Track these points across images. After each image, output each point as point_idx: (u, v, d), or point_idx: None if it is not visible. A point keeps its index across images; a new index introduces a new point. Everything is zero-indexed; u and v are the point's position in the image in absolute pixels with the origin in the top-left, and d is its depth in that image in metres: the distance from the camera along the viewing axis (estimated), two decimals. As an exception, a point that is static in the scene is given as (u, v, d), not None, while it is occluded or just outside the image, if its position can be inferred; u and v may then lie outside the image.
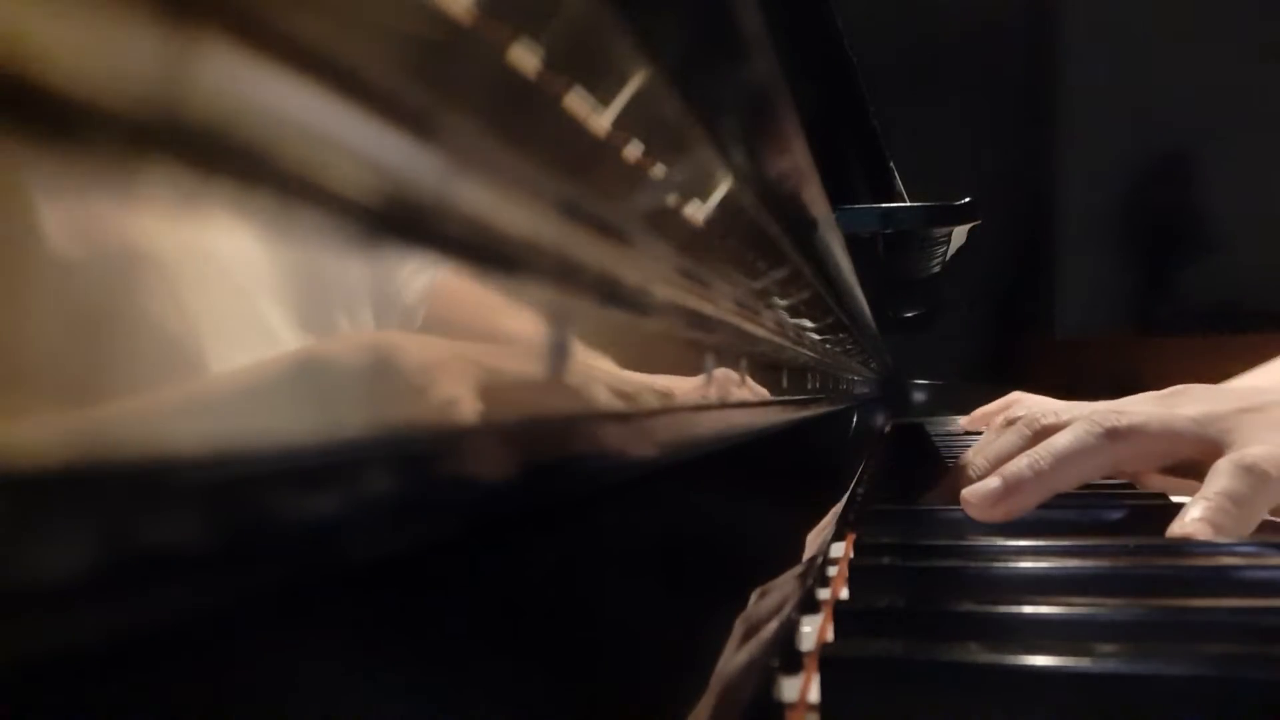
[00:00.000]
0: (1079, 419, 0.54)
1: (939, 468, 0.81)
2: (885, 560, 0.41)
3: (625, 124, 0.18)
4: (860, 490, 0.65)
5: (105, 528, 0.08)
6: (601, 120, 0.17)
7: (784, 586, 0.32)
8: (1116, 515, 0.54)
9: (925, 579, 0.38)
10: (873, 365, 1.24)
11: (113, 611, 0.08)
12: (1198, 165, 2.49)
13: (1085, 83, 2.51)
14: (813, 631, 0.32)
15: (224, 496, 0.09)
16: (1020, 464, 0.52)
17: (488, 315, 0.15)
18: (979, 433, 1.04)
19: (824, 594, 0.37)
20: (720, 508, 0.37)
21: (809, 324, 0.54)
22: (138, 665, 0.09)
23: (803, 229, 0.37)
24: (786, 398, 0.50)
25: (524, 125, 0.15)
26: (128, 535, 0.08)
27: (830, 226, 0.43)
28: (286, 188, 0.09)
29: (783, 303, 0.43)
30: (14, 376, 0.07)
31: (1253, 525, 0.50)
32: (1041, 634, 0.30)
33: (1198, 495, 0.50)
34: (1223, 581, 0.37)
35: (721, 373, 0.32)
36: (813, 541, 0.41)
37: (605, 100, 0.17)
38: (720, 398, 0.32)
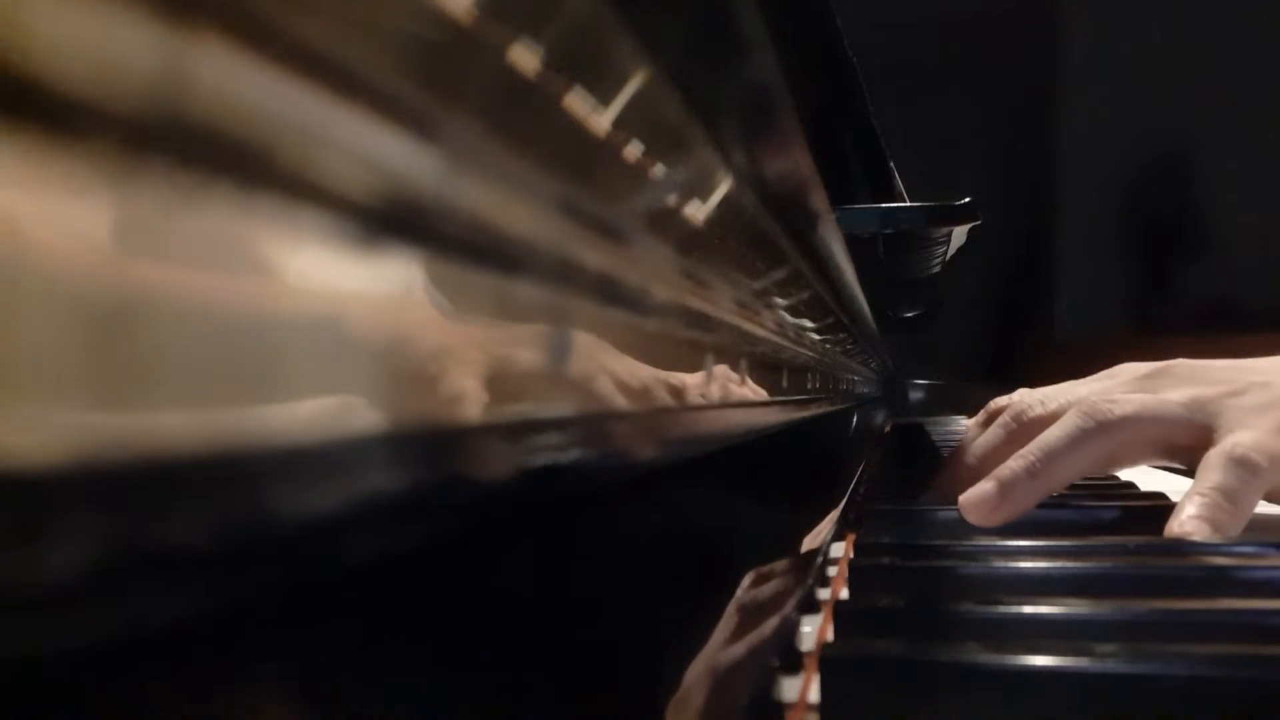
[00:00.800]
0: (1068, 411, 0.53)
1: (939, 467, 0.81)
2: (885, 560, 0.41)
3: (625, 124, 0.18)
4: (860, 490, 0.65)
5: (104, 528, 0.08)
6: (601, 120, 0.17)
7: (783, 583, 0.32)
8: (1116, 515, 0.54)
9: (925, 579, 0.38)
10: (873, 365, 1.24)
11: (113, 612, 0.08)
12: (1198, 165, 2.50)
13: (1085, 83, 2.51)
14: (813, 631, 0.32)
15: (225, 496, 0.09)
16: (1014, 465, 0.51)
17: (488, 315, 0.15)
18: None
19: (824, 594, 0.37)
20: (720, 508, 0.37)
21: (809, 324, 0.54)
22: (138, 665, 0.09)
23: (803, 229, 0.37)
24: (786, 398, 0.50)
25: (524, 125, 0.15)
26: (127, 535, 0.08)
27: (830, 226, 0.43)
28: (286, 188, 0.09)
29: (783, 303, 0.43)
30: (14, 376, 0.07)
31: (1247, 515, 0.50)
32: (1041, 634, 0.30)
33: (1191, 491, 0.50)
34: (1223, 581, 0.37)
35: (721, 372, 0.32)
36: (811, 541, 0.41)
37: (605, 100, 0.17)
38: (720, 398, 0.32)
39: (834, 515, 0.48)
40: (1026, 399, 0.58)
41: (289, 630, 0.11)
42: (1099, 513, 0.54)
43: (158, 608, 0.09)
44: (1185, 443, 0.53)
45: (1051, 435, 0.52)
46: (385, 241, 0.11)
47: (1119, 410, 0.53)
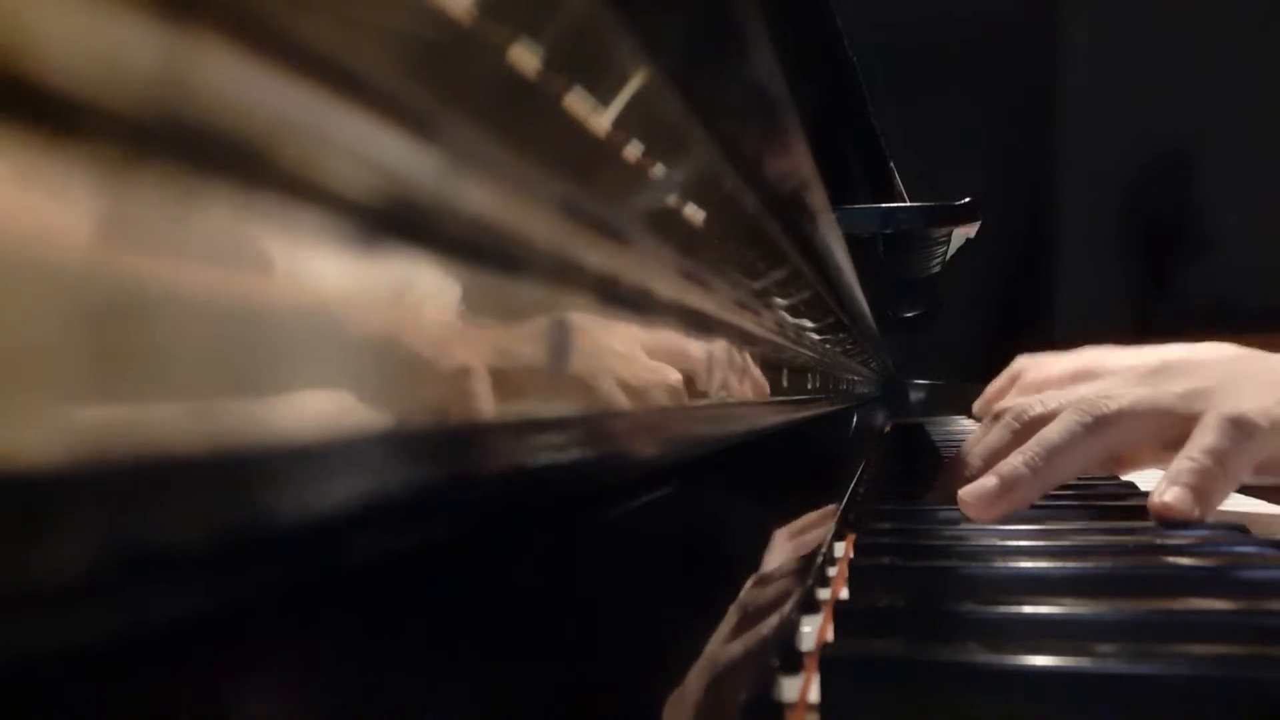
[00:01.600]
0: (1067, 408, 0.54)
1: (938, 467, 0.81)
2: (885, 560, 0.41)
3: (625, 124, 0.18)
4: (860, 490, 0.65)
5: (104, 528, 0.08)
6: (601, 120, 0.17)
7: (783, 583, 0.32)
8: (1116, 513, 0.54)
9: (925, 579, 0.38)
10: (873, 365, 1.24)
11: (113, 612, 0.08)
12: (1198, 165, 2.50)
13: (1085, 82, 2.51)
14: (813, 631, 0.32)
15: (224, 495, 0.09)
16: (1015, 461, 0.51)
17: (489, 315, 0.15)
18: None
19: (824, 594, 0.37)
20: (720, 507, 0.37)
21: (809, 324, 0.54)
22: (138, 666, 0.09)
23: (803, 229, 0.37)
24: (786, 398, 0.50)
25: (524, 125, 0.15)
26: (127, 535, 0.08)
27: (830, 226, 0.43)
28: (287, 187, 0.09)
29: (783, 303, 0.43)
30: (14, 376, 0.07)
31: (1237, 481, 0.50)
32: (1041, 634, 0.30)
33: (1181, 454, 0.50)
34: (1223, 581, 0.37)
35: (721, 372, 0.32)
36: (811, 540, 0.41)
37: (605, 100, 0.17)
38: (719, 398, 0.32)
39: (834, 515, 0.48)
40: (1028, 400, 0.58)
41: (289, 630, 0.11)
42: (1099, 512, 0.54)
43: (157, 607, 0.09)
44: (1186, 433, 0.52)
45: (1051, 431, 0.53)
46: (385, 241, 0.11)
47: (1115, 405, 0.53)
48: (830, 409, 0.80)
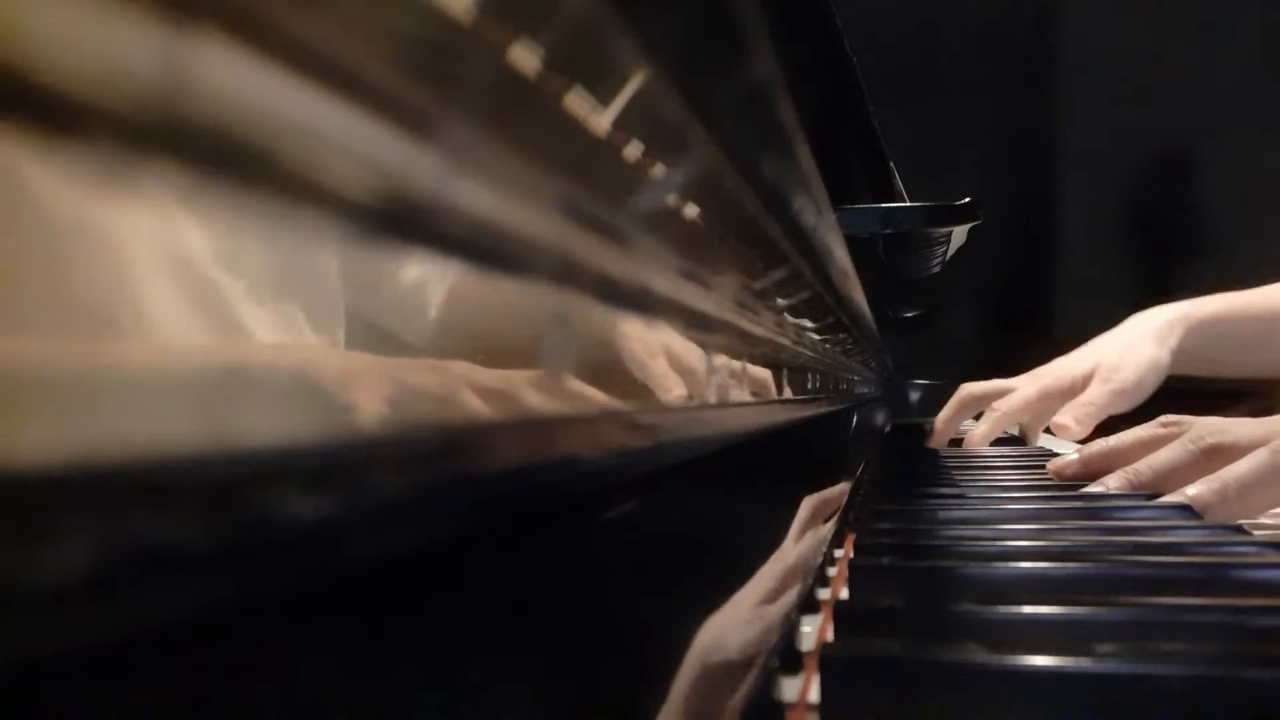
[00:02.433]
0: (1257, 447, 0.57)
1: (938, 467, 0.81)
2: (885, 560, 0.41)
3: (625, 124, 0.18)
4: (860, 490, 0.65)
5: (103, 528, 0.08)
6: (601, 120, 0.17)
7: (783, 583, 0.32)
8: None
9: (925, 579, 0.38)
10: (872, 365, 1.24)
11: (114, 612, 0.08)
12: (1198, 164, 2.49)
13: (1085, 82, 2.51)
14: (813, 631, 0.32)
15: (224, 496, 0.09)
16: (1208, 488, 0.55)
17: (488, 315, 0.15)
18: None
19: (824, 594, 0.37)
20: (720, 508, 0.37)
21: (809, 324, 0.54)
22: (138, 666, 0.09)
23: (803, 229, 0.37)
24: (786, 398, 0.50)
25: (524, 125, 0.15)
26: (127, 536, 0.08)
27: (830, 226, 0.43)
28: (287, 187, 0.09)
29: (783, 303, 0.43)
30: (14, 376, 0.07)
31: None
32: (1041, 634, 0.30)
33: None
34: (1222, 581, 0.37)
35: (721, 373, 0.32)
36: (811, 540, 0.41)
37: (605, 100, 0.17)
38: (720, 398, 0.32)
39: (834, 515, 0.48)
40: (1208, 425, 0.63)
41: (288, 631, 0.11)
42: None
43: (159, 608, 0.09)
44: None
45: (1243, 468, 0.56)
46: (385, 241, 0.11)
47: None
48: (830, 409, 0.80)
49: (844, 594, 0.37)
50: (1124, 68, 2.46)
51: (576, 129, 0.16)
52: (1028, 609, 0.31)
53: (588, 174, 0.18)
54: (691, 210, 0.24)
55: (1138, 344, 0.97)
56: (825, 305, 0.56)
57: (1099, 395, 0.96)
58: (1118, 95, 2.48)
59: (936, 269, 1.10)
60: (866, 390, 1.26)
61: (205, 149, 0.08)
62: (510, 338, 0.15)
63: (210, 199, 0.08)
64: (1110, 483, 0.63)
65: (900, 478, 0.77)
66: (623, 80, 0.17)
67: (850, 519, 0.52)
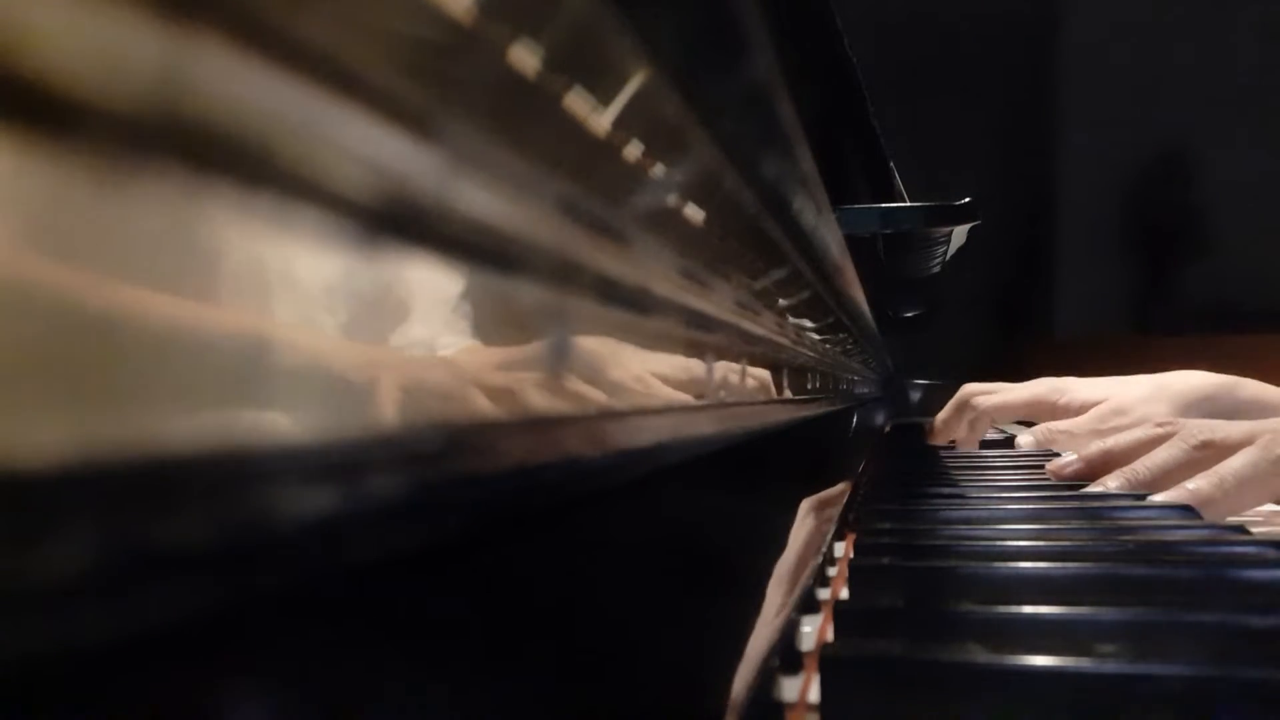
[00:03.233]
0: (1247, 445, 0.59)
1: (938, 467, 0.81)
2: (885, 560, 0.41)
3: (625, 124, 0.18)
4: (860, 490, 0.65)
5: (103, 528, 0.08)
6: (601, 120, 0.17)
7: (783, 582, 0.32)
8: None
9: (925, 579, 0.38)
10: (872, 365, 1.24)
11: (114, 613, 0.08)
12: (1198, 165, 2.49)
13: (1085, 82, 2.51)
14: (813, 631, 0.32)
15: (224, 496, 0.09)
16: (1207, 482, 0.57)
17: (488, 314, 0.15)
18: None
19: (824, 594, 0.37)
20: (720, 508, 0.37)
21: (809, 324, 0.54)
22: (139, 667, 0.09)
23: (803, 229, 0.37)
24: (786, 398, 0.50)
25: (524, 125, 0.15)
26: (127, 536, 0.08)
27: (830, 226, 0.43)
28: (286, 187, 0.09)
29: (783, 303, 0.43)
30: (14, 376, 0.07)
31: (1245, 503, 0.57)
32: (1041, 634, 0.30)
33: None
34: (1222, 581, 0.37)
35: (721, 373, 0.32)
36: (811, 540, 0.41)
37: (605, 100, 0.17)
38: (720, 398, 0.32)
39: (834, 515, 0.48)
40: (1200, 425, 0.65)
41: (288, 631, 0.11)
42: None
43: (159, 608, 0.09)
44: None
45: (1237, 464, 0.58)
46: (385, 241, 0.11)
47: None
48: (830, 409, 0.80)
49: (844, 594, 0.37)
50: (1124, 68, 2.46)
51: (576, 129, 0.16)
52: (1028, 609, 0.31)
53: (588, 174, 0.18)
54: (691, 210, 0.24)
55: (1156, 401, 0.90)
56: (825, 305, 0.56)
57: (1079, 429, 0.93)
58: (1118, 95, 2.48)
59: (936, 269, 1.10)
60: (866, 390, 1.26)
61: (205, 148, 0.08)
62: (510, 337, 0.15)
63: (210, 198, 0.08)
64: (1110, 483, 0.64)
65: (900, 478, 0.77)
66: (623, 80, 0.17)
67: (850, 519, 0.52)
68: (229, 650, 0.10)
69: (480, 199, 0.13)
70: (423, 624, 0.15)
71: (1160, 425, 0.68)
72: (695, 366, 0.28)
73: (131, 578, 0.08)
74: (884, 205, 0.76)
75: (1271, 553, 0.40)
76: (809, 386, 0.61)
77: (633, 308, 0.22)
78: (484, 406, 0.14)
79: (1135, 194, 2.58)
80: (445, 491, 0.14)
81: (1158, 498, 0.59)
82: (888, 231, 0.75)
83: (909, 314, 1.46)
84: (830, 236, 0.43)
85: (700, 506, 0.34)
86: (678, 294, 0.26)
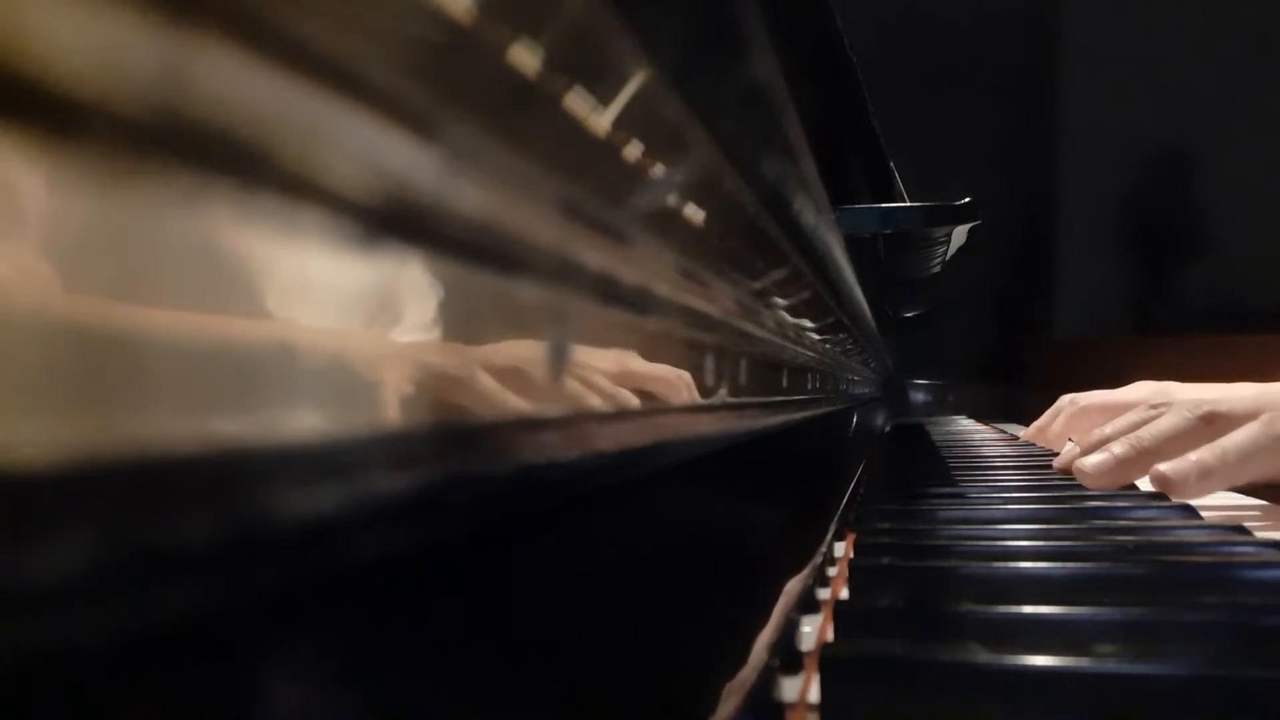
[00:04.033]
0: (1251, 418, 0.60)
1: (939, 467, 0.81)
2: (885, 560, 0.41)
3: (625, 124, 0.18)
4: (860, 490, 0.65)
5: (104, 528, 0.08)
6: (601, 120, 0.17)
7: (783, 582, 0.32)
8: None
9: (925, 579, 0.38)
10: (873, 365, 1.24)
11: (114, 613, 0.08)
12: (1198, 165, 2.49)
13: (1085, 82, 2.51)
14: (813, 631, 0.32)
15: (224, 496, 0.09)
16: (1209, 453, 0.58)
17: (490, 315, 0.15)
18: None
19: (824, 594, 0.37)
20: (720, 508, 0.37)
21: (809, 324, 0.54)
22: (138, 667, 0.09)
23: (803, 229, 0.37)
24: (786, 398, 0.50)
25: (524, 125, 0.15)
26: (128, 536, 0.08)
27: (830, 226, 0.43)
28: (287, 187, 0.09)
29: (783, 303, 0.43)
30: (15, 376, 0.07)
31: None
32: (1041, 634, 0.30)
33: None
34: (1222, 581, 0.37)
35: (721, 373, 0.32)
36: (811, 540, 0.41)
37: (605, 100, 0.17)
38: (720, 398, 0.32)
39: (835, 515, 0.48)
40: (1188, 394, 0.67)
41: (288, 631, 0.11)
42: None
43: (159, 609, 0.09)
44: None
45: (1240, 438, 0.58)
46: (385, 241, 0.11)
47: None
48: (830, 409, 0.80)
49: (844, 594, 0.37)
50: (1124, 68, 2.46)
51: (576, 129, 0.16)
52: (1028, 609, 0.31)
53: (588, 174, 0.18)
54: (691, 210, 0.24)
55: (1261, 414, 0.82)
56: (825, 305, 0.56)
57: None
58: (1118, 95, 2.48)
59: (936, 269, 1.10)
60: (867, 390, 1.26)
61: (205, 148, 0.08)
62: (509, 337, 0.15)
63: (210, 198, 0.08)
64: (1115, 449, 0.64)
65: (900, 478, 0.77)
66: (623, 80, 0.17)
67: (850, 519, 0.52)
68: (229, 650, 0.10)
69: (480, 198, 0.13)
70: (422, 624, 0.15)
71: (1156, 405, 0.68)
72: (695, 366, 0.28)
73: (130, 578, 0.08)
74: (884, 205, 0.76)
75: (1271, 553, 0.40)
76: (809, 386, 0.61)
77: (632, 308, 0.22)
78: (483, 406, 0.14)
79: (1135, 194, 2.58)
80: (444, 491, 0.14)
81: (1161, 466, 0.59)
82: (888, 231, 0.75)
83: (909, 314, 1.46)
84: (830, 236, 0.43)
85: (700, 507, 0.34)
86: (677, 294, 0.26)
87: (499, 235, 0.14)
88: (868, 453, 0.93)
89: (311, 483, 0.10)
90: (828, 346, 0.68)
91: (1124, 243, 2.59)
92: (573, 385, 0.18)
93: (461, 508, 0.15)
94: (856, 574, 0.38)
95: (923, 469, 0.82)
